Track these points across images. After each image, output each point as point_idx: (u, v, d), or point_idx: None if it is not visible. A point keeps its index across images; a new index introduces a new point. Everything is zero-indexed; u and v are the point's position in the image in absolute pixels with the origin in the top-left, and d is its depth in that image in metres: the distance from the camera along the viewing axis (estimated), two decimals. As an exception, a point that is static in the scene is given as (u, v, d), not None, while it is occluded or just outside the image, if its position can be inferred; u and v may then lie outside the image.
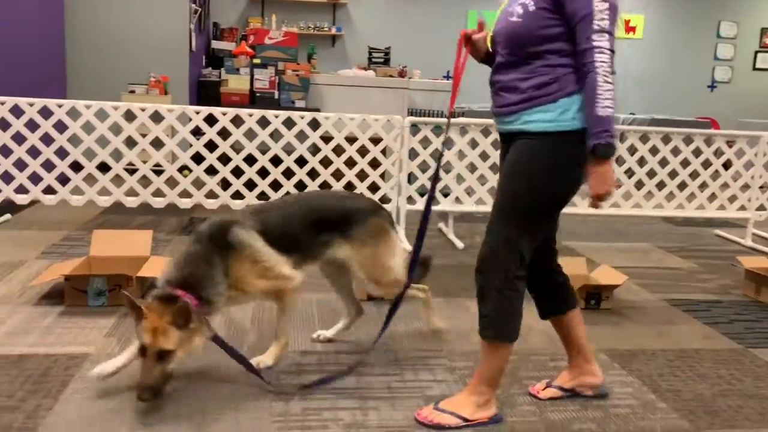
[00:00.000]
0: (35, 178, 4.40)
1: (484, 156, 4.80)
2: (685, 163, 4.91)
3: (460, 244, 4.46)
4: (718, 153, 5.02)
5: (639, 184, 4.99)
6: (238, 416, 2.08)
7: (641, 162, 4.95)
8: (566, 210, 4.80)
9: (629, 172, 4.96)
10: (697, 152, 4.93)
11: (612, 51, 1.87)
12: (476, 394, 2.10)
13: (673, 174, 4.91)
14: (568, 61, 1.95)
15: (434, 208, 4.63)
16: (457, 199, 4.70)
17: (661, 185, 4.96)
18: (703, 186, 5.03)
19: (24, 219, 4.62)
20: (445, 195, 4.72)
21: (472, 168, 4.69)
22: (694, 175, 4.98)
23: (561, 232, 5.40)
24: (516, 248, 1.99)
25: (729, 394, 2.42)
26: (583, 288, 3.25)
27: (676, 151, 4.91)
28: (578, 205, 4.84)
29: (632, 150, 4.92)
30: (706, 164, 4.98)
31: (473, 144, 4.72)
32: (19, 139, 4.27)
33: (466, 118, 4.62)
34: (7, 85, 4.71)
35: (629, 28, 9.70)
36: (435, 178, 2.35)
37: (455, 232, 4.78)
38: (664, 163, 4.88)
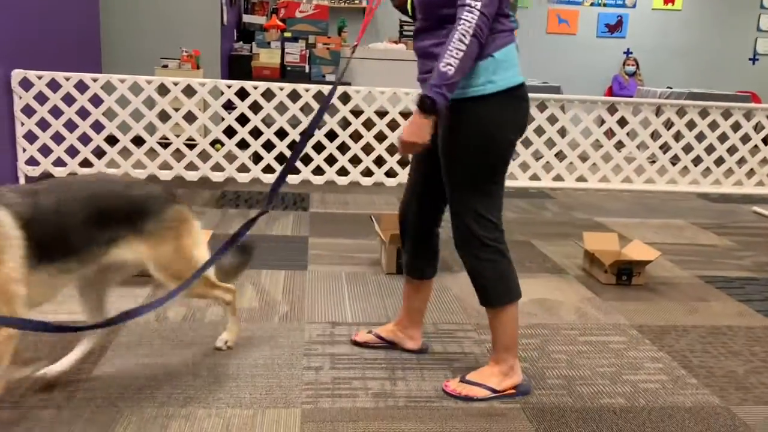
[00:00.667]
0: (72, 151, 4.50)
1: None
2: (722, 138, 4.80)
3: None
4: (757, 128, 4.88)
5: (674, 160, 4.89)
6: (270, 383, 2.13)
7: (677, 136, 4.85)
8: (598, 185, 4.76)
9: (665, 147, 4.87)
10: (735, 127, 4.81)
11: (483, 13, 1.79)
12: (500, 363, 2.12)
13: (710, 149, 4.81)
14: None
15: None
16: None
17: (697, 160, 4.86)
18: (741, 161, 4.91)
19: (62, 191, 4.73)
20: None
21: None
22: (732, 150, 4.86)
23: (593, 208, 5.34)
24: (482, 216, 2.00)
25: (762, 371, 2.39)
26: (614, 264, 3.22)
27: (713, 126, 4.80)
28: (611, 181, 4.78)
29: (668, 124, 4.82)
30: (745, 139, 4.86)
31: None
32: (56, 113, 4.37)
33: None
34: (44, 60, 4.79)
35: (668, -1, 9.42)
36: (305, 137, 2.07)
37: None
38: (701, 137, 4.78)
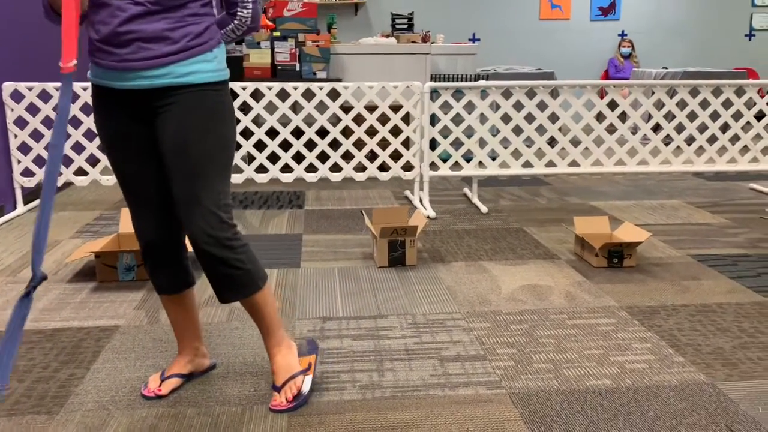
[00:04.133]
0: (66, 161, 4.54)
1: (506, 118, 4.76)
2: (714, 116, 4.78)
3: (484, 209, 4.45)
4: (749, 104, 4.86)
5: (667, 140, 4.88)
6: (258, 380, 2.15)
7: (668, 117, 4.84)
8: (592, 170, 4.74)
9: (657, 129, 4.85)
10: (727, 104, 4.79)
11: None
12: (283, 342, 2.06)
13: (702, 128, 4.80)
14: (210, 11, 1.94)
15: (457, 173, 4.63)
16: (481, 164, 4.68)
17: (690, 140, 4.84)
18: (734, 139, 4.88)
19: (59, 201, 4.78)
20: (468, 160, 4.70)
21: (495, 131, 4.66)
22: (724, 127, 4.84)
23: (588, 192, 5.33)
24: (225, 203, 1.91)
25: (750, 347, 2.40)
26: (604, 246, 3.23)
27: (705, 104, 4.78)
28: (604, 164, 4.77)
29: (659, 105, 4.80)
30: (738, 116, 4.84)
31: (495, 107, 4.67)
32: (48, 123, 4.41)
33: (485, 82, 4.57)
34: (34, 71, 4.83)
35: (660, -21, 9.36)
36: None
37: (479, 196, 4.77)
38: (692, 116, 4.76)
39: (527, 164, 4.79)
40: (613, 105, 4.77)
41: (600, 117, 4.84)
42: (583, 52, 9.34)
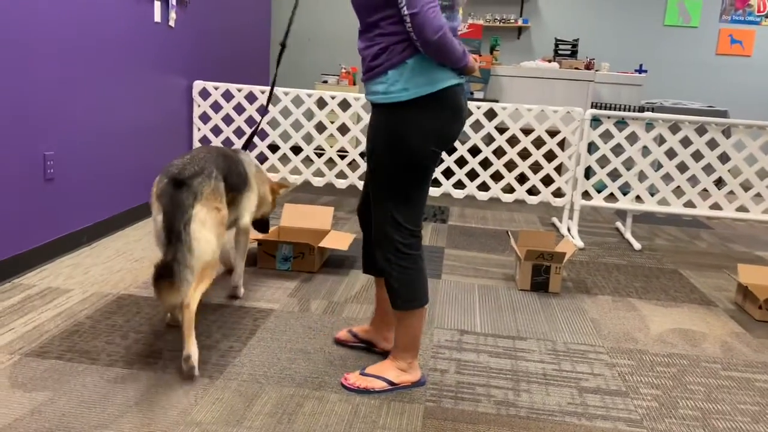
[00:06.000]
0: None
1: (670, 154, 4.54)
2: None
3: (637, 245, 4.27)
4: None
5: None
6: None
7: None
8: (762, 217, 4.39)
9: None
10: None
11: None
12: (398, 360, 2.18)
13: None
14: (398, 29, 1.89)
15: (612, 205, 4.48)
16: (638, 198, 4.49)
17: None
18: None
19: (227, 191, 5.21)
20: (624, 193, 4.53)
21: (656, 166, 4.46)
22: None
23: (754, 240, 4.93)
24: (396, 221, 2.01)
25: None
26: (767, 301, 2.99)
27: None
28: (778, 213, 4.40)
29: None
30: None
31: (659, 140, 4.48)
32: (227, 120, 4.83)
33: (652, 113, 4.39)
34: (221, 73, 5.33)
35: None
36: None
37: (633, 232, 4.58)
38: None
39: (689, 204, 4.54)
40: (794, 150, 4.39)
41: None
42: (764, 92, 8.65)
